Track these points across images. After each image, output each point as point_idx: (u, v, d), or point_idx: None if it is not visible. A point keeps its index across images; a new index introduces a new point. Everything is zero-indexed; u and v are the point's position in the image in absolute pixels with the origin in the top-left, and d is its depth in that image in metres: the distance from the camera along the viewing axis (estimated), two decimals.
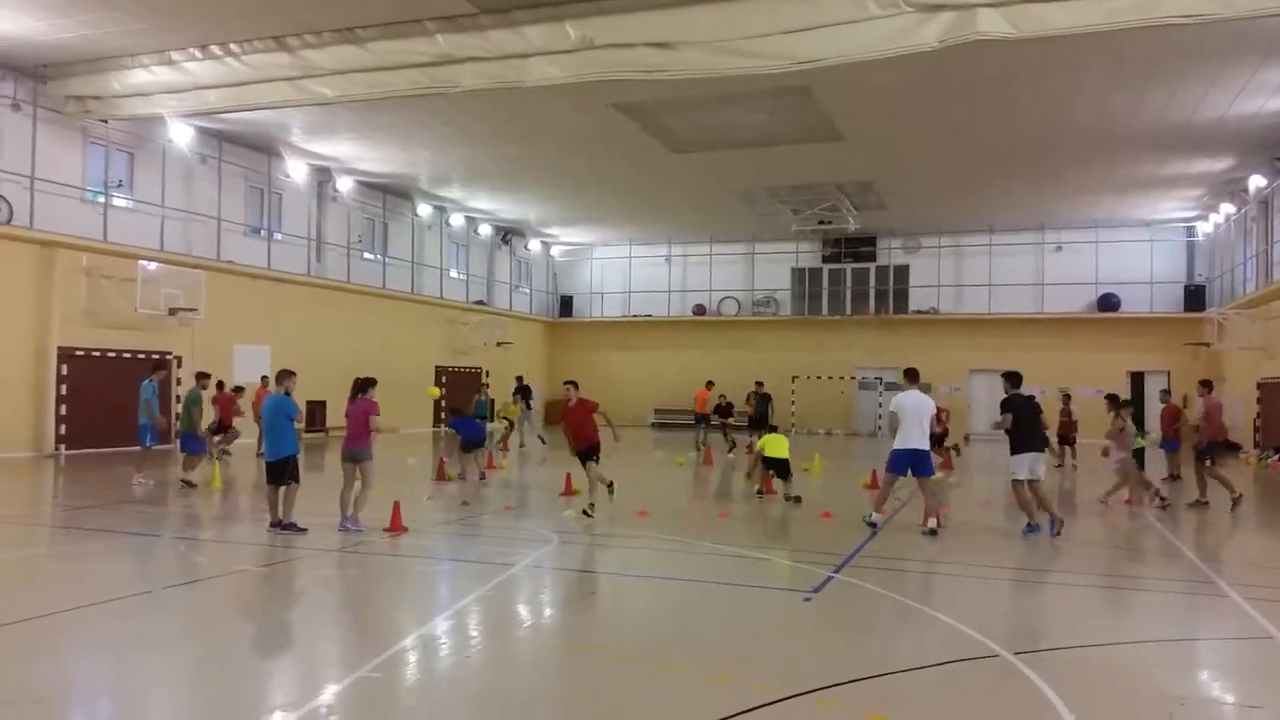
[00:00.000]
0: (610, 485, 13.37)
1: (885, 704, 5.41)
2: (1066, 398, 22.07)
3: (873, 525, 11.43)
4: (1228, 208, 28.97)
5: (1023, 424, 11.27)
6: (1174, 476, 17.57)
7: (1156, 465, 17.06)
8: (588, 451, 12.57)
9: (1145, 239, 33.54)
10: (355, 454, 11.08)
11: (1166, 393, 18.13)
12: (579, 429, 12.74)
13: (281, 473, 10.68)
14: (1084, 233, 33.91)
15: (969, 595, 8.63)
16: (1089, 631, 7.22)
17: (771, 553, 10.31)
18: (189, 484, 14.78)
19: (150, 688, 5.69)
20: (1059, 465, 20.44)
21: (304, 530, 10.59)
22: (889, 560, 9.83)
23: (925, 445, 11.46)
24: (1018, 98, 19.51)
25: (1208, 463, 14.58)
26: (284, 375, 11.05)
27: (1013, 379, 11.71)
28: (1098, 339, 33.27)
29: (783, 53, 13.69)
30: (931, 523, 11.24)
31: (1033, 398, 11.74)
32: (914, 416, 11.37)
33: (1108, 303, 33.57)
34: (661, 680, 5.81)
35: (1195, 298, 32.55)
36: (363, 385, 11.22)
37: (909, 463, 11.41)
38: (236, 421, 18.88)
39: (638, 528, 11.65)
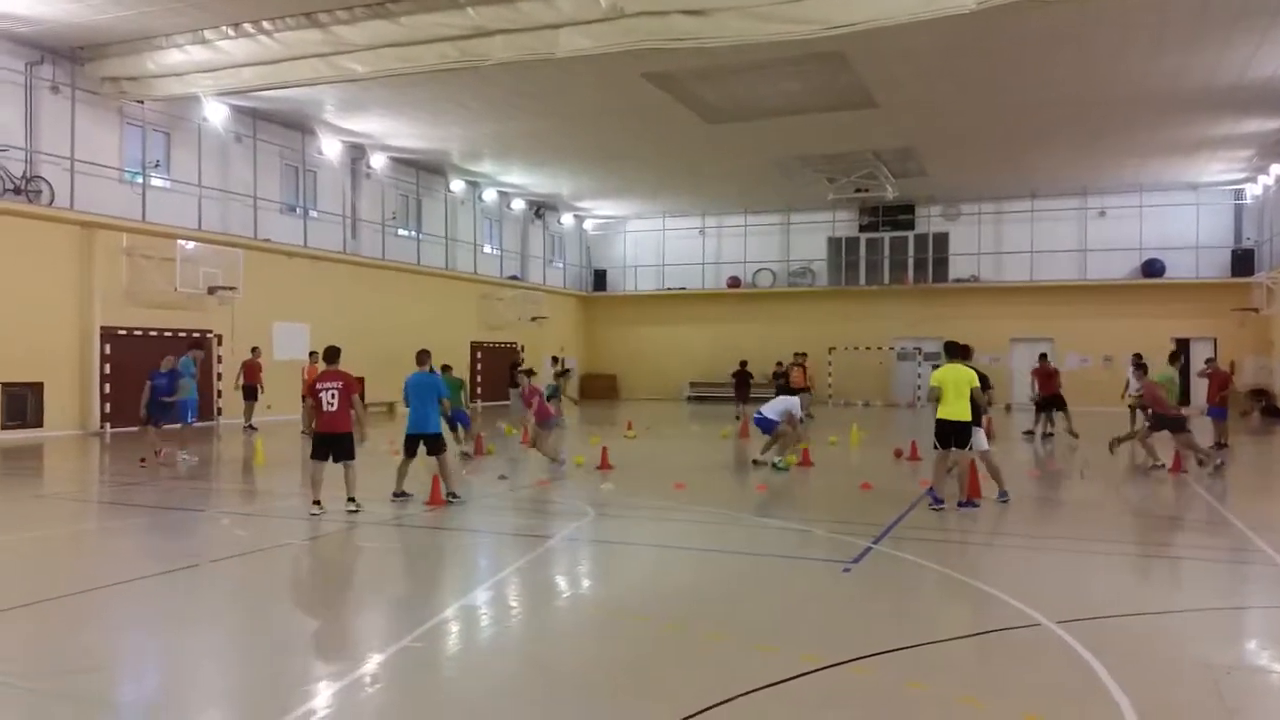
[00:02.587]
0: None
1: (925, 673, 5.37)
2: (1043, 357, 21.05)
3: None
4: (1278, 169, 28.20)
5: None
6: (1221, 444, 17.25)
7: (1203, 433, 16.77)
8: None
9: (1191, 202, 32.78)
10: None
11: (1212, 360, 17.74)
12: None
13: (429, 446, 11.09)
14: (1128, 197, 33.21)
15: (1009, 565, 8.53)
16: (1132, 600, 7.12)
17: (810, 524, 10.25)
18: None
19: (197, 659, 5.78)
20: (1050, 433, 19.86)
21: (459, 500, 11.00)
22: (928, 531, 9.74)
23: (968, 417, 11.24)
24: (1061, 58, 19.06)
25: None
26: (425, 355, 11.66)
27: (963, 352, 11.49)
28: (1142, 306, 32.64)
29: (818, 17, 13.47)
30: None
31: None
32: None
33: (1152, 268, 32.90)
34: (703, 649, 5.80)
35: (1243, 262, 31.79)
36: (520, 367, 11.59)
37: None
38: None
39: (675, 500, 11.65)
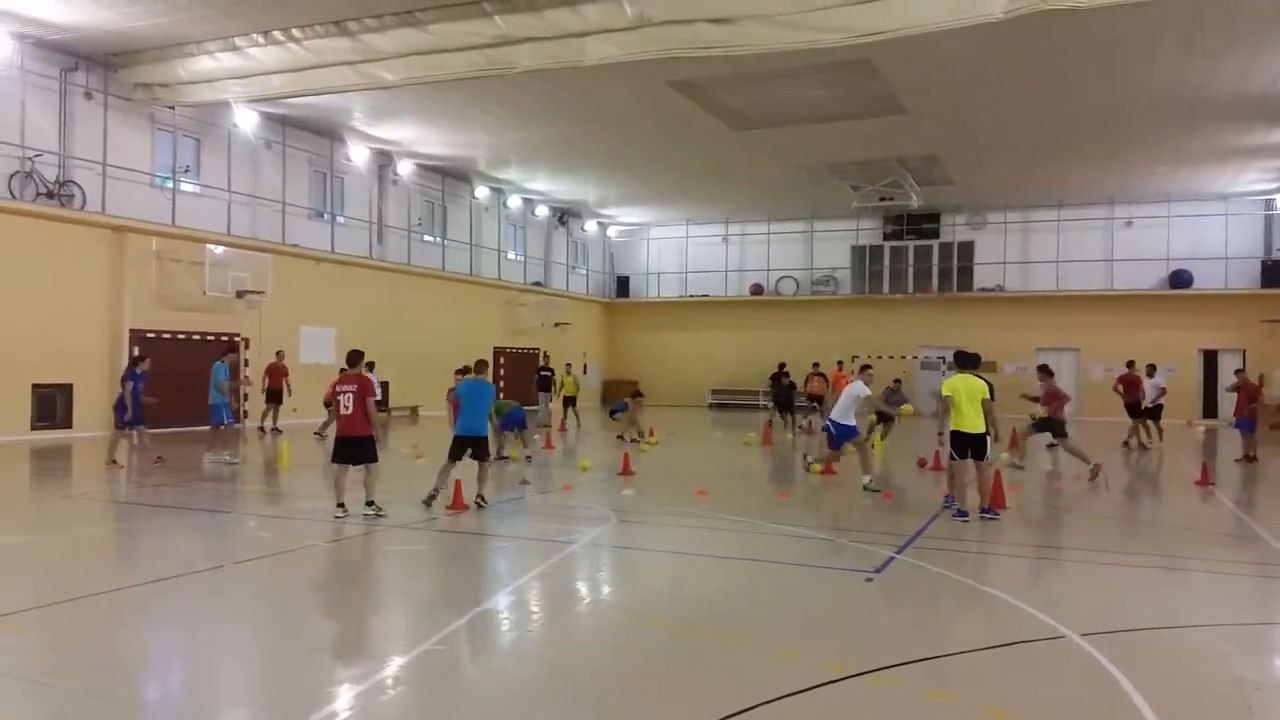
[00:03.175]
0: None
1: (948, 684, 5.35)
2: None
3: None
4: None
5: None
6: (1249, 458, 17.05)
7: (1232, 446, 16.63)
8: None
9: (1220, 213, 32.42)
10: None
11: (1241, 371, 17.60)
12: None
13: (475, 450, 11.27)
14: (1156, 207, 32.90)
15: (1033, 576, 8.47)
16: (1158, 613, 7.05)
17: (833, 533, 10.22)
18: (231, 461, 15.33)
19: (220, 659, 5.85)
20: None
21: (486, 504, 11.19)
22: (951, 542, 9.70)
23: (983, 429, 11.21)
24: (1089, 67, 18.94)
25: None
26: (483, 365, 12.14)
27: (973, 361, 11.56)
28: (1169, 316, 32.31)
29: (845, 25, 13.46)
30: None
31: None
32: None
33: (1180, 279, 32.56)
34: (727, 656, 5.81)
35: (1274, 273, 31.38)
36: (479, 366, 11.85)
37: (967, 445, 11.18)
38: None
39: (697, 506, 11.65)
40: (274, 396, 21.14)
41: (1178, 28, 16.62)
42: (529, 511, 11.52)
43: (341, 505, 10.34)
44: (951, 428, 11.03)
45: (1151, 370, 20.94)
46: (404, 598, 7.56)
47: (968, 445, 10.97)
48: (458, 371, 13.97)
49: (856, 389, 14.05)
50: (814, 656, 5.70)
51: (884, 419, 19.03)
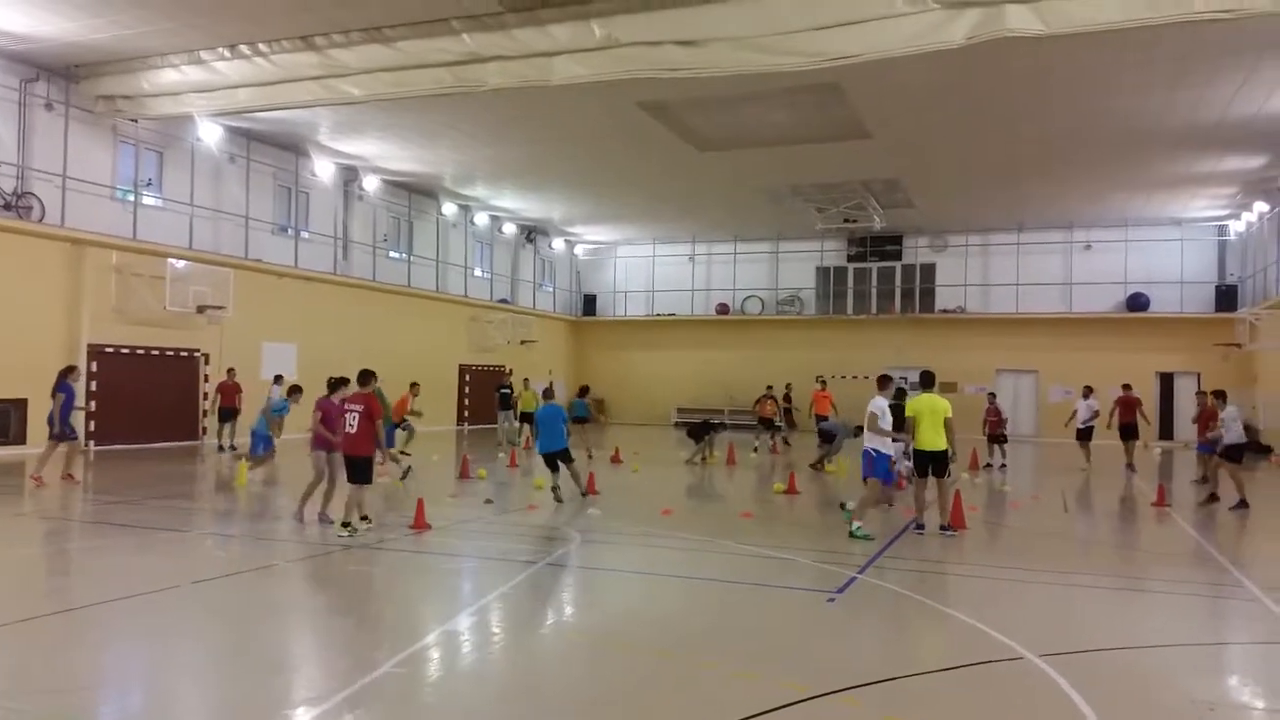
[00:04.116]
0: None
1: (908, 705, 5.38)
2: (992, 396, 21.64)
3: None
4: (1261, 206, 28.52)
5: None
6: (1204, 479, 17.33)
7: (1189, 467, 16.92)
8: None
9: (1176, 238, 33.11)
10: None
11: (1203, 394, 17.88)
12: None
13: (561, 458, 13.74)
14: (1113, 231, 33.54)
15: (993, 597, 8.55)
16: (1114, 634, 7.14)
17: (795, 553, 10.26)
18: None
19: (177, 681, 5.76)
20: (987, 466, 20.28)
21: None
22: (913, 562, 9.77)
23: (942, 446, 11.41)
24: (1048, 95, 19.32)
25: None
26: (550, 392, 14.50)
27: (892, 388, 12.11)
28: (1126, 339, 32.87)
29: (810, 50, 13.61)
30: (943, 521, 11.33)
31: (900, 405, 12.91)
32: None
33: (1137, 302, 33.17)
34: (688, 677, 5.81)
35: (1227, 298, 32.08)
36: (337, 384, 11.40)
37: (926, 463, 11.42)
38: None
39: (662, 526, 11.65)
40: (226, 415, 20.93)
41: (1134, 57, 17.00)
42: (492, 531, 11.45)
43: (348, 523, 10.48)
44: (915, 446, 11.28)
45: (1087, 392, 21.32)
46: (364, 619, 7.48)
47: (926, 463, 11.21)
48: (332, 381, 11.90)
49: (878, 404, 11.72)
50: (775, 677, 5.71)
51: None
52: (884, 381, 11.89)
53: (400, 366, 27.12)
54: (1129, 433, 20.94)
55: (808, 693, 5.39)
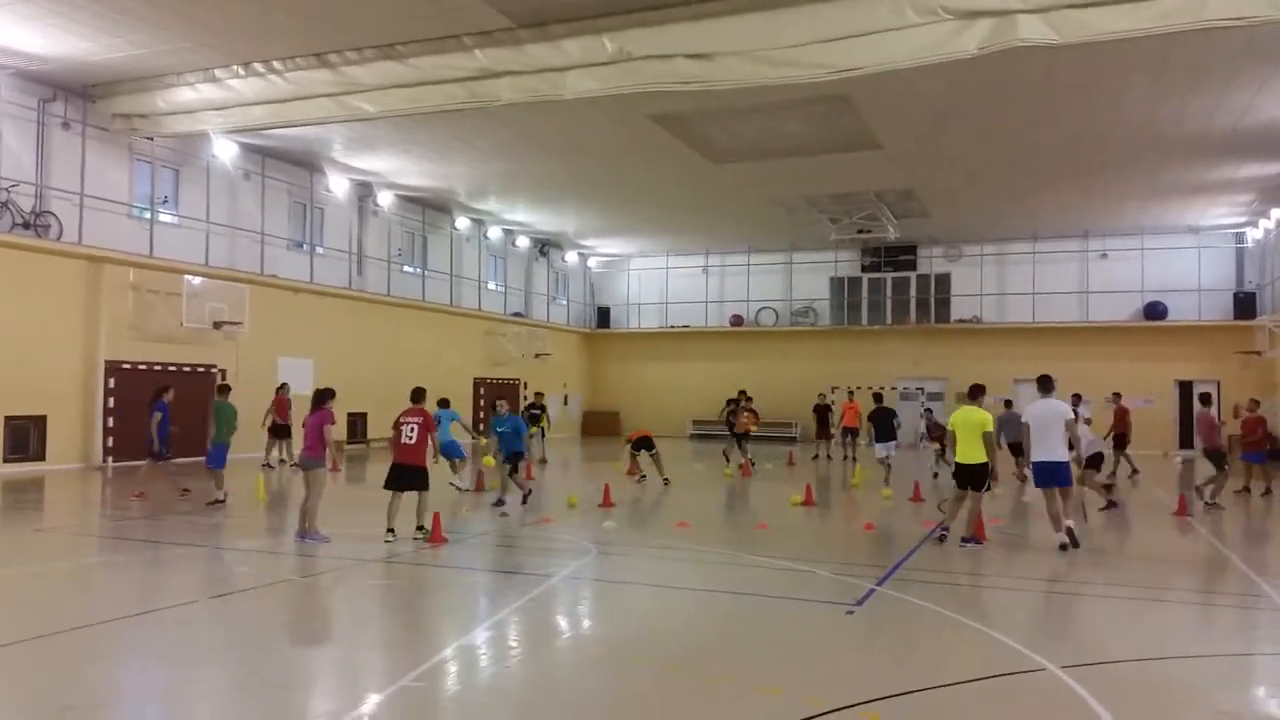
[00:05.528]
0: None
1: (929, 718, 5.32)
2: (1009, 403, 21.20)
3: (944, 534, 11.33)
4: (1278, 213, 28.34)
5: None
6: (1266, 490, 16.88)
7: (1240, 477, 16.80)
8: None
9: (1193, 245, 32.90)
10: (305, 463, 11.12)
11: (1257, 402, 17.54)
12: None
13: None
14: (1129, 240, 33.36)
15: (1014, 608, 8.48)
16: (1137, 645, 7.06)
17: (813, 565, 10.21)
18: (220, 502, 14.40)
19: (194, 697, 5.75)
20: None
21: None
22: (932, 573, 9.70)
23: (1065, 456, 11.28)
24: (1062, 103, 19.25)
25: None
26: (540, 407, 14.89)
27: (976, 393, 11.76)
28: (1144, 348, 32.65)
29: (821, 62, 13.63)
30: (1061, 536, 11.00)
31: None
32: (1051, 426, 11.25)
33: (1154, 311, 32.95)
34: (706, 691, 5.77)
35: (1245, 305, 31.82)
36: (322, 396, 11.31)
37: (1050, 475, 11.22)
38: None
39: (678, 539, 11.60)
40: (282, 431, 20.82)
41: (1148, 65, 16.93)
42: (508, 544, 11.43)
43: (391, 530, 10.83)
44: (956, 459, 11.23)
45: (1076, 400, 20.71)
46: (380, 633, 7.47)
47: (966, 476, 11.12)
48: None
49: (1034, 412, 11.48)
50: (795, 691, 5.67)
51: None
52: (978, 392, 11.61)
53: (415, 380, 27.05)
54: (1120, 443, 20.69)
55: (827, 706, 5.34)
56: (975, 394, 11.62)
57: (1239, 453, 17.05)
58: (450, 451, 16.37)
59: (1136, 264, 33.42)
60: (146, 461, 15.18)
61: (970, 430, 11.12)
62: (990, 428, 11.11)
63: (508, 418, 15.16)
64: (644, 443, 19.37)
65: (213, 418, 14.81)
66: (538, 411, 23.75)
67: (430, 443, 11.32)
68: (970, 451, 11.10)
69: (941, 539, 11.22)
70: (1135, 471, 21.06)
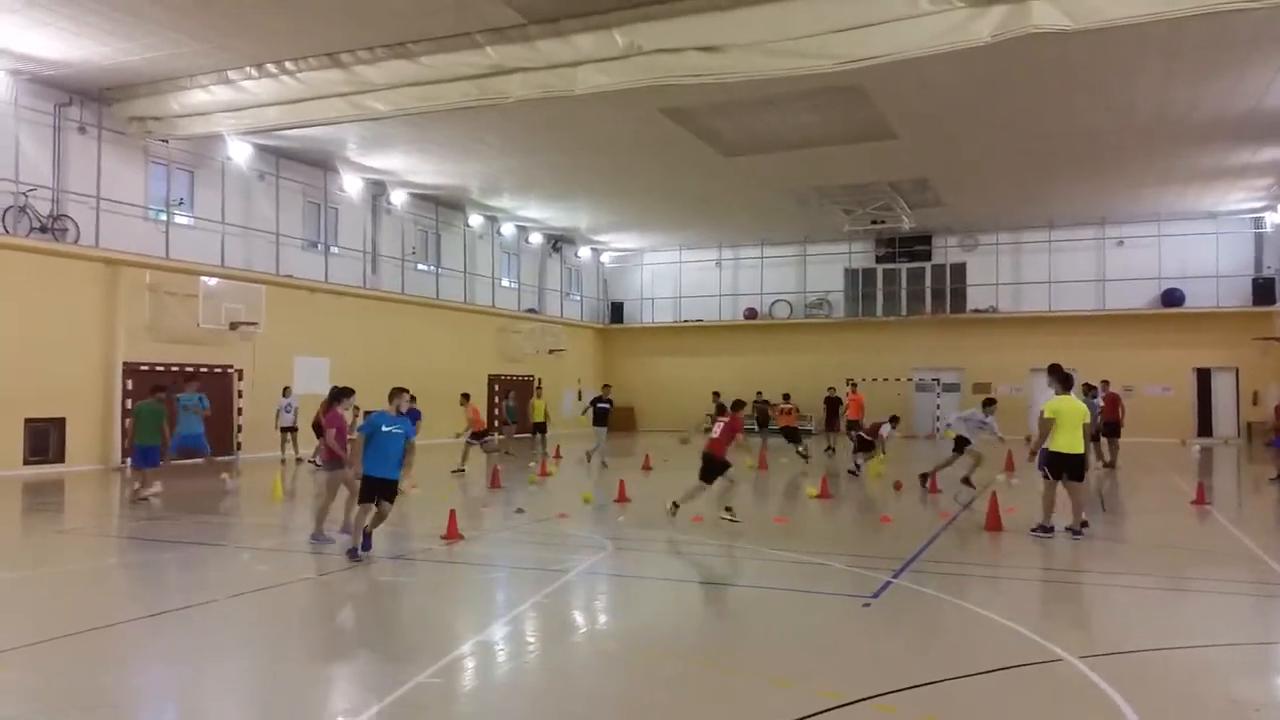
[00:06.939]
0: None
1: (947, 710, 5.31)
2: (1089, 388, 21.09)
3: (1048, 531, 11.28)
4: None
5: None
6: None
7: (1227, 464, 16.65)
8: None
9: (1210, 231, 32.61)
10: (326, 466, 11.02)
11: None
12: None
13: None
14: (1146, 226, 33.10)
15: (1031, 599, 8.45)
16: (1156, 635, 7.03)
17: (829, 557, 10.19)
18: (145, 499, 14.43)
19: (213, 695, 5.80)
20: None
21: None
22: (948, 565, 9.67)
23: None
24: (1077, 90, 19.12)
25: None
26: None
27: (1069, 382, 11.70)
28: (1162, 335, 32.41)
29: (833, 52, 13.58)
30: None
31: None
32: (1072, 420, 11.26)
33: (1172, 298, 32.69)
34: (723, 685, 5.77)
35: (1264, 291, 31.51)
36: (334, 396, 11.24)
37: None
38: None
39: (693, 533, 11.61)
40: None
41: (1162, 49, 16.79)
42: (524, 540, 11.47)
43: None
44: (1051, 449, 11.12)
45: (1088, 390, 20.50)
46: (398, 629, 7.51)
47: (1065, 466, 11.06)
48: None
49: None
50: (811, 684, 5.67)
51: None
52: (1070, 381, 11.46)
53: (430, 378, 27.34)
54: (1112, 430, 20.37)
55: (844, 699, 5.34)
56: (1068, 383, 11.47)
57: (1271, 438, 16.95)
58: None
59: (1153, 251, 33.17)
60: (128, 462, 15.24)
61: (1075, 420, 11.10)
62: (1089, 418, 11.19)
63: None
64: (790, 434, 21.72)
65: (134, 420, 14.75)
66: (605, 405, 21.95)
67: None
68: (1073, 441, 11.08)
69: (1046, 532, 11.14)
70: (1109, 464, 20.30)
